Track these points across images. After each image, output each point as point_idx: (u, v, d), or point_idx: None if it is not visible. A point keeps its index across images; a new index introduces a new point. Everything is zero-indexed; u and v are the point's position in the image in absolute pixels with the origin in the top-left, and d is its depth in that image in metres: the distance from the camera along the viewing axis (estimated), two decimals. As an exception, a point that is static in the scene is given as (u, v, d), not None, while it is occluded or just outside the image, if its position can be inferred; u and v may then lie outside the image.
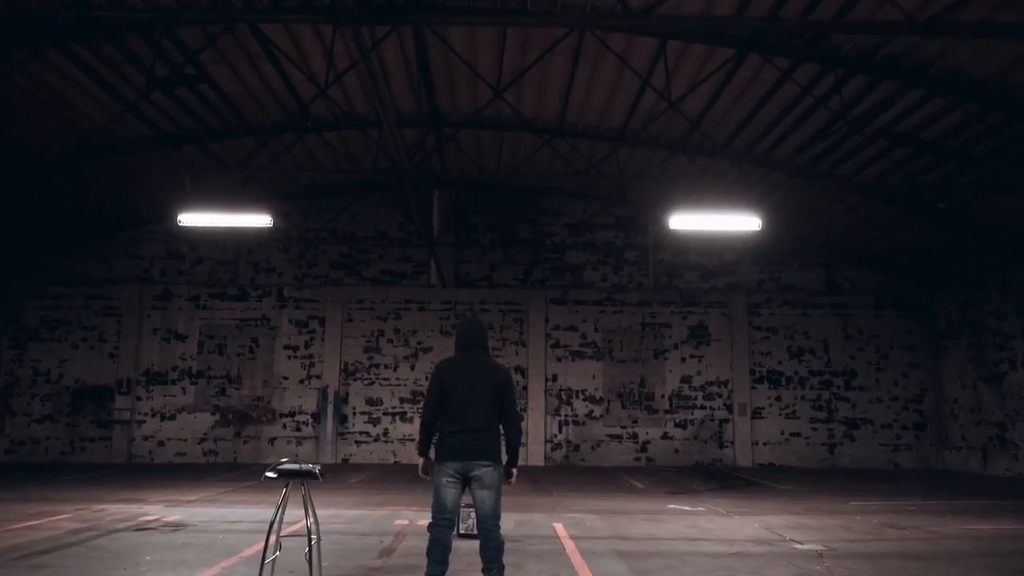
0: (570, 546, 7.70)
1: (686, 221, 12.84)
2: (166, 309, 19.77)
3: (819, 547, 7.88)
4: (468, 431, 4.91)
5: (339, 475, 16.04)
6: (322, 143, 16.21)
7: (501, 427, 5.04)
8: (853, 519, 10.07)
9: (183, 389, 19.50)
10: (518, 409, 5.22)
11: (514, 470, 5.13)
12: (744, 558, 7.29)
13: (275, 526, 5.31)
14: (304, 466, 5.42)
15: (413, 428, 19.38)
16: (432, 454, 5.09)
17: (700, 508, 11.11)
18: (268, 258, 20.09)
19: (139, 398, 19.43)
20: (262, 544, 7.35)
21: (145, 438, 19.27)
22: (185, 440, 19.27)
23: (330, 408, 19.24)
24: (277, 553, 5.48)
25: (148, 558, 6.75)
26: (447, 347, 19.63)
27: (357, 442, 19.35)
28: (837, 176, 15.37)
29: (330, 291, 19.88)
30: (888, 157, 14.16)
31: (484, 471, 4.88)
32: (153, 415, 19.39)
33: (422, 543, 7.77)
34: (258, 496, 11.71)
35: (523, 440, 5.13)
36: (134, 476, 15.33)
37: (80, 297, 19.69)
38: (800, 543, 8.12)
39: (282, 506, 5.50)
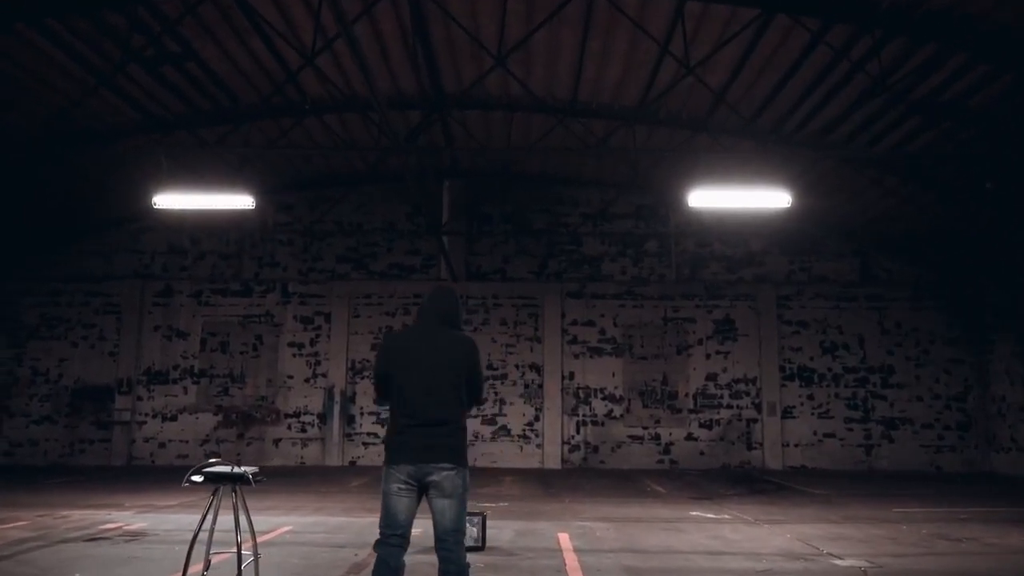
0: (572, 561, 6.69)
1: (709, 199, 11.74)
2: (167, 306, 19.04)
3: (863, 563, 6.80)
4: (423, 425, 3.92)
5: (342, 478, 15.17)
6: (321, 127, 15.33)
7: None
8: (898, 528, 8.95)
9: (185, 389, 18.75)
10: (484, 386, 4.38)
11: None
12: (774, 577, 6.25)
13: (201, 538, 4.37)
14: (235, 468, 4.48)
15: (423, 429, 18.43)
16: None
17: (725, 516, 10.04)
18: (272, 252, 19.29)
19: (140, 398, 18.71)
20: (214, 557, 6.45)
21: (146, 440, 18.54)
22: (187, 442, 18.50)
23: (336, 408, 18.38)
24: (204, 574, 4.56)
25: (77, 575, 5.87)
26: (458, 344, 18.70)
27: (365, 444, 18.46)
28: (873, 154, 14.18)
29: (336, 286, 19.03)
30: (931, 131, 12.95)
31: (444, 476, 3.89)
32: (154, 416, 18.66)
33: (407, 558, 6.86)
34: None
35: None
36: (126, 480, 14.55)
37: (79, 294, 19.02)
38: (839, 558, 7.04)
39: (214, 515, 4.60)
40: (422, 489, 3.94)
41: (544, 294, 18.89)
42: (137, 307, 18.93)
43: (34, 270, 18.98)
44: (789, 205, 11.71)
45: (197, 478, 4.61)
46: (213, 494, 4.68)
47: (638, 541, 7.88)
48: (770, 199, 11.51)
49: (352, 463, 18.29)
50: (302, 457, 18.35)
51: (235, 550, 4.58)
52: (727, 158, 14.50)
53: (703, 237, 19.00)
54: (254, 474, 4.61)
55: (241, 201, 11.53)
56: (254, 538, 4.77)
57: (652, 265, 19.10)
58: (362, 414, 18.58)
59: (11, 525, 8.34)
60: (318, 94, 14.18)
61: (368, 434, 18.49)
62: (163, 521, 8.88)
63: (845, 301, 18.77)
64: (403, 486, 3.92)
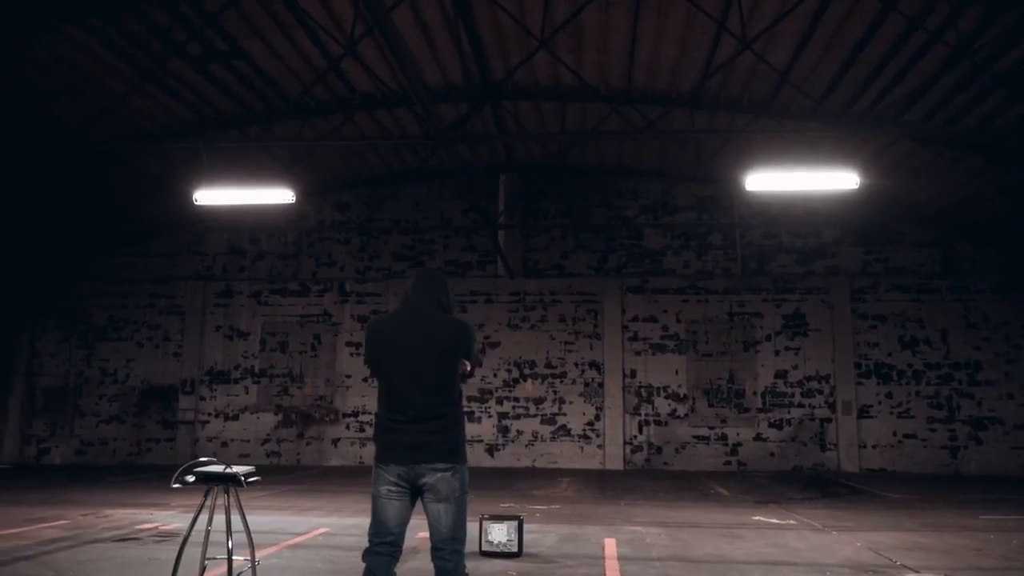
0: (612, 571, 6.19)
1: (768, 181, 11.02)
2: (228, 306, 19.22)
3: (940, 577, 6.11)
4: (414, 420, 3.52)
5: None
6: (372, 122, 15.16)
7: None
8: (985, 538, 8.13)
9: (246, 388, 18.88)
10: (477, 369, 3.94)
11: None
12: (837, 592, 5.63)
13: (192, 540, 4.07)
14: (227, 468, 4.16)
15: (481, 428, 18.14)
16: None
17: (790, 521, 9.34)
18: (329, 251, 19.26)
19: (202, 398, 18.93)
20: (234, 561, 6.20)
21: (209, 439, 18.74)
22: (248, 441, 18.63)
23: (394, 407, 18.16)
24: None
25: (90, 578, 5.70)
26: (517, 340, 18.33)
27: (423, 443, 18.20)
28: (954, 133, 13.16)
29: (393, 284, 18.87)
30: (1019, 105, 11.90)
31: (439, 478, 3.47)
32: (216, 415, 18.85)
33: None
34: (288, 501, 10.68)
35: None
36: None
37: (145, 295, 19.37)
38: (915, 571, 6.34)
39: (209, 516, 4.31)
40: (415, 492, 3.54)
41: (604, 290, 18.33)
42: (199, 308, 19.17)
43: (103, 272, 19.42)
44: (857, 187, 10.90)
45: (190, 478, 4.31)
46: (205, 495, 4.38)
47: (690, 549, 7.32)
48: (836, 180, 10.69)
49: (410, 463, 18.06)
50: (361, 457, 18.24)
51: (244, 557, 4.25)
52: (794, 143, 13.71)
53: (770, 228, 18.11)
54: (247, 475, 4.29)
55: (281, 195, 11.37)
56: (251, 543, 4.45)
57: (716, 258, 18.32)
58: (420, 413, 18.32)
59: (51, 524, 8.32)
60: (367, 89, 14.00)
61: (426, 434, 18.22)
62: (200, 521, 8.72)
63: (926, 293, 17.61)
64: (393, 488, 3.53)
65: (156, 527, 8.14)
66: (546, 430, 18.00)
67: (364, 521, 3.56)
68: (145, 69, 12.20)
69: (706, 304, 18.08)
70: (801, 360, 17.69)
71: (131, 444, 18.83)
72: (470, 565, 6.44)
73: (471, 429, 18.11)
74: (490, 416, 18.17)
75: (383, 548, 3.48)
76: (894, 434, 17.19)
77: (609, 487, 13.45)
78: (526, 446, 17.96)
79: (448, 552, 3.44)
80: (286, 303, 19.06)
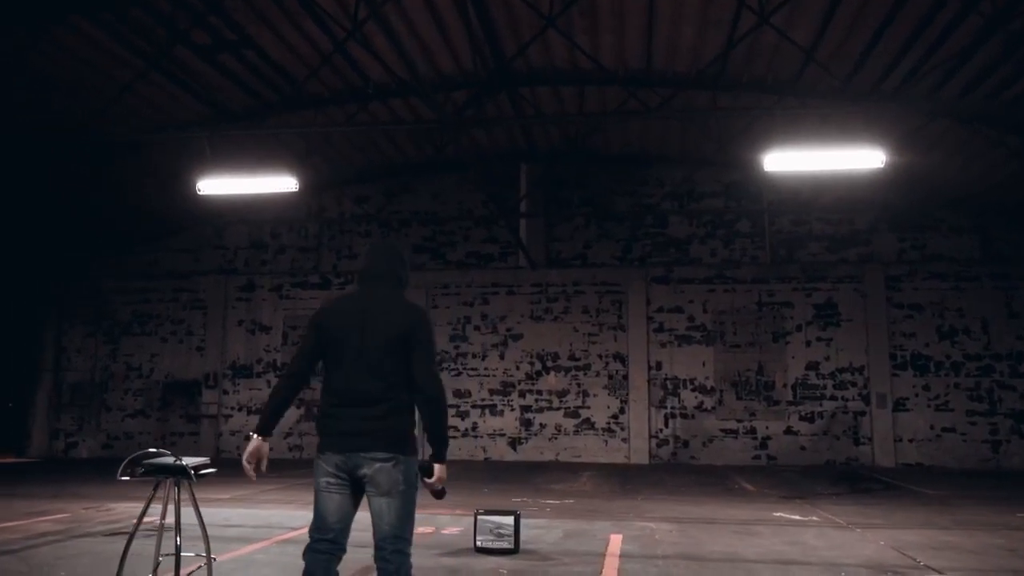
0: (611, 569, 5.84)
1: (788, 161, 10.54)
2: (250, 300, 19.17)
3: (966, 578, 5.66)
4: (354, 405, 3.23)
5: (415, 473, 14.70)
6: (387, 111, 14.94)
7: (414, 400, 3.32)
8: (1021, 537, 7.61)
9: (268, 382, 18.80)
10: (436, 370, 3.39)
11: (437, 467, 3.37)
12: (850, 594, 5.22)
13: (145, 537, 3.83)
14: (178, 460, 3.91)
15: (504, 422, 17.85)
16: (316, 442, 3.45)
17: (813, 518, 8.89)
18: (350, 244, 19.11)
19: (225, 392, 18.92)
20: (223, 557, 5.98)
21: (232, 433, 18.73)
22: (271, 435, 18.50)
23: (415, 401, 17.93)
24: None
25: (62, 574, 5.50)
26: (539, 332, 18.00)
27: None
28: (990, 110, 12.51)
29: (413, 276, 18.45)
30: (1060, 78, 11.25)
31: (378, 469, 3.17)
32: (239, 409, 18.83)
33: (425, 560, 6.20)
34: (295, 495, 10.50)
35: (448, 419, 3.09)
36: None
37: (168, 290, 19.42)
38: (939, 572, 5.90)
39: (163, 509, 4.08)
40: (356, 484, 3.24)
41: (628, 280, 17.89)
42: (221, 302, 19.16)
43: (126, 268, 19.51)
44: (883, 165, 10.34)
45: (138, 471, 4.08)
46: (154, 488, 4.15)
47: (700, 546, 6.93)
48: (861, 159, 10.16)
49: (432, 457, 17.85)
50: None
51: (203, 556, 4.01)
52: (821, 126, 13.18)
53: (800, 214, 17.52)
54: (197, 467, 4.03)
55: (285, 184, 11.15)
56: (206, 538, 4.21)
57: (744, 246, 17.77)
58: (441, 407, 18.08)
59: (49, 518, 8.22)
60: (381, 79, 13.75)
61: (451, 428, 17.98)
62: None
63: (965, 281, 16.88)
64: (332, 480, 3.24)
65: (154, 521, 7.96)
66: (569, 423, 17.64)
67: (364, 516, 3.27)
68: (153, 59, 12.11)
69: (734, 294, 17.56)
70: (833, 351, 17.08)
71: (156, 438, 18.89)
72: (463, 562, 6.16)
73: (494, 422, 17.84)
74: (512, 409, 17.87)
75: (322, 545, 3.20)
76: (932, 428, 16.51)
77: (630, 481, 13.06)
78: (549, 439, 17.62)
79: (390, 552, 3.13)
80: (307, 296, 18.95)
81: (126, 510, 8.80)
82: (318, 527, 3.23)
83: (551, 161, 17.98)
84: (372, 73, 13.56)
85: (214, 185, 11.08)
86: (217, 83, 13.42)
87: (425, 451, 3.48)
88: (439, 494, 3.39)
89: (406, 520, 3.21)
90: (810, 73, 12.63)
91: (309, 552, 3.22)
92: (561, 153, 17.76)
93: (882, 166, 10.43)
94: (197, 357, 19.11)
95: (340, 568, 3.29)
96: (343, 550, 3.27)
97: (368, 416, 3.19)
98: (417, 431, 3.43)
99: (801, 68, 12.60)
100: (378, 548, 3.16)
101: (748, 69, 12.97)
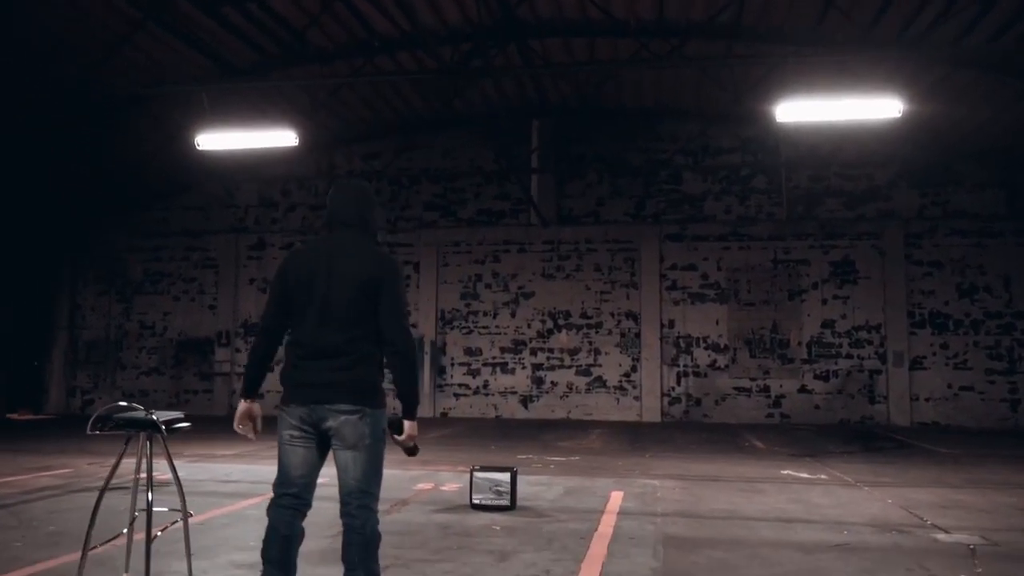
0: (606, 526, 5.73)
1: (801, 111, 10.21)
2: (261, 259, 19.12)
3: (975, 538, 5.50)
4: (320, 357, 3.09)
5: (425, 430, 14.70)
6: (394, 65, 14.64)
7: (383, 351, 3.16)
8: (1033, 496, 7.42)
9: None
10: (406, 322, 3.23)
11: (407, 424, 3.21)
12: (849, 554, 5.06)
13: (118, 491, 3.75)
14: (149, 414, 3.80)
15: (515, 380, 17.79)
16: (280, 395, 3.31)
17: (822, 476, 8.74)
18: (360, 202, 18.91)
19: (238, 350, 18.98)
20: (214, 512, 5.94)
21: (245, 390, 18.78)
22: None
23: (427, 359, 17.93)
24: (124, 532, 3.97)
25: (51, 528, 5.48)
26: (551, 290, 17.83)
27: (456, 395, 17.99)
28: (1020, 60, 12.01)
29: (424, 234, 18.47)
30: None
31: (343, 421, 3.03)
32: (252, 367, 18.86)
33: (418, 516, 6.13)
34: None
35: (420, 376, 2.92)
36: (214, 429, 14.63)
37: (179, 249, 19.41)
38: (945, 531, 5.74)
39: (136, 464, 4.01)
40: (322, 438, 3.11)
41: (641, 237, 17.63)
42: (233, 260, 19.13)
43: (137, 226, 19.50)
44: (900, 114, 9.97)
45: (107, 424, 3.98)
46: (126, 443, 4.06)
47: (701, 504, 6.81)
48: (878, 108, 9.79)
49: (444, 414, 17.89)
50: (394, 408, 17.96)
51: (181, 514, 3.93)
52: (840, 77, 12.70)
53: (819, 170, 17.10)
54: (169, 421, 3.93)
55: (284, 137, 10.97)
56: (181, 494, 4.13)
57: (760, 203, 17.41)
58: (452, 364, 18.08)
59: (51, 473, 8.25)
60: (387, 31, 13.45)
61: (459, 385, 17.99)
62: (201, 471, 8.62)
63: (988, 237, 16.45)
64: (296, 433, 3.12)
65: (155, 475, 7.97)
66: (581, 381, 17.55)
67: (332, 470, 3.14)
68: (150, 10, 11.88)
69: (748, 251, 17.26)
70: (850, 309, 16.79)
71: (171, 395, 19.04)
72: (457, 518, 6.08)
73: (505, 380, 17.78)
74: (524, 367, 17.79)
75: (286, 500, 3.08)
76: (949, 387, 16.25)
77: (640, 439, 12.97)
78: (561, 398, 17.56)
79: (355, 507, 3.00)
80: (318, 255, 18.82)
81: (128, 464, 8.81)
82: (282, 482, 3.11)
83: (562, 116, 17.62)
84: (377, 26, 13.27)
85: (213, 140, 10.84)
86: (220, 37, 13.17)
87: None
88: (411, 451, 3.25)
89: (372, 475, 3.08)
90: (830, 21, 12.18)
91: (273, 507, 3.10)
92: (573, 108, 17.37)
93: (899, 115, 10.04)
94: (209, 315, 19.15)
95: (306, 523, 3.17)
96: (308, 505, 3.15)
97: (333, 367, 3.05)
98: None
99: (821, 16, 12.15)
100: (343, 503, 3.04)
101: (765, 18, 12.54)
